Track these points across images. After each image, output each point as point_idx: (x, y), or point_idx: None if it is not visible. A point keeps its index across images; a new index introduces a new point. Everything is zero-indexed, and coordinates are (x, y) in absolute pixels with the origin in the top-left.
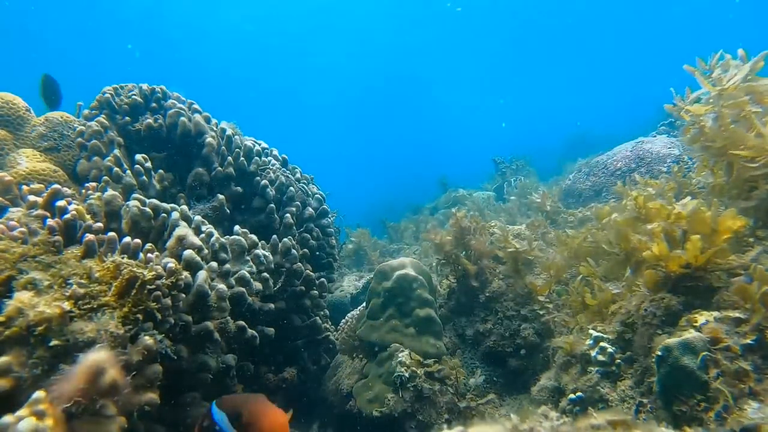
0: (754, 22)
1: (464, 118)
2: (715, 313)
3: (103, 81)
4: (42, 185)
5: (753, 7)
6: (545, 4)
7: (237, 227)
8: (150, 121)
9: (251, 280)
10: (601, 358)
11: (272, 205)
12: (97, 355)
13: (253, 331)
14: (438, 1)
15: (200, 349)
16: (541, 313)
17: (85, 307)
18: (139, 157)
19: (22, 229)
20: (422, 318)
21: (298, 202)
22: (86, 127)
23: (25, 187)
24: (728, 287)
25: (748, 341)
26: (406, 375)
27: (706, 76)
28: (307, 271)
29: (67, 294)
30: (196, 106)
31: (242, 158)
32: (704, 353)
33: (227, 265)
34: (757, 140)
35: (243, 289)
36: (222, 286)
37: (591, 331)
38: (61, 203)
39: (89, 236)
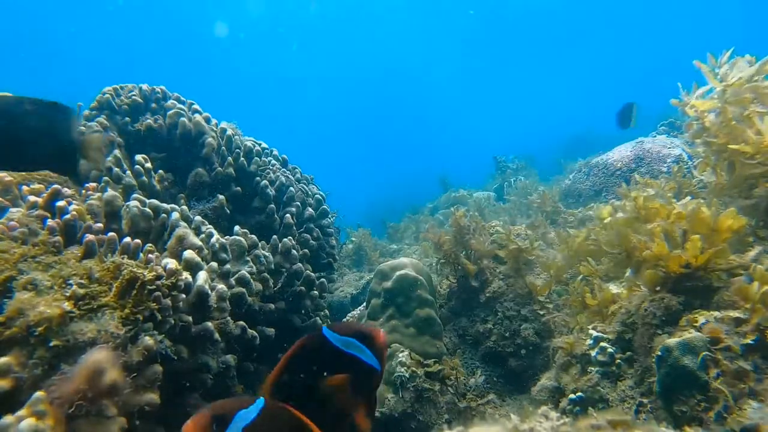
0: (755, 22)
1: (465, 117)
2: (716, 313)
3: (103, 81)
4: (42, 185)
5: (754, 8)
6: (547, 4)
7: (237, 227)
8: (150, 121)
9: (251, 280)
10: (601, 358)
11: (272, 205)
12: (98, 356)
13: (254, 332)
14: (439, 0)
15: (200, 350)
16: (541, 313)
17: (85, 307)
18: (139, 157)
19: (23, 229)
20: (422, 318)
21: (298, 203)
22: (86, 128)
23: (25, 188)
24: (728, 287)
25: (748, 341)
26: (407, 375)
27: (713, 73)
28: (308, 271)
29: (68, 294)
30: (196, 106)
31: (242, 158)
32: (704, 353)
33: (227, 266)
34: (756, 138)
35: (243, 290)
36: (222, 287)
37: (591, 331)
38: (61, 203)
39: (89, 236)
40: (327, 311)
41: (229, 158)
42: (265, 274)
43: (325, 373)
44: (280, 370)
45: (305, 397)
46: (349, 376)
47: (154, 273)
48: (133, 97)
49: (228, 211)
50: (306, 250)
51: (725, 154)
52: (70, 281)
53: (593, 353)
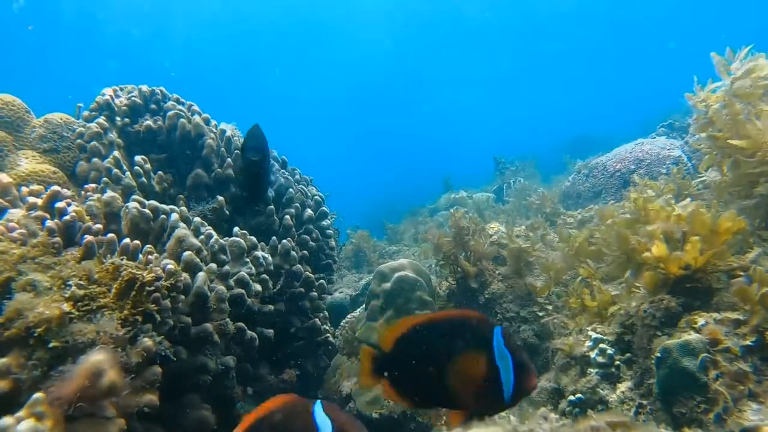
0: (756, 23)
1: (465, 118)
2: (715, 315)
3: (102, 82)
4: (41, 186)
5: (755, 9)
6: (547, 5)
7: (236, 229)
8: (149, 122)
9: (250, 281)
10: (600, 359)
11: (271, 206)
12: (97, 357)
13: (253, 333)
14: (440, 0)
15: (199, 351)
16: (540, 314)
17: (84, 308)
18: (138, 158)
19: (22, 230)
20: None
21: (297, 204)
22: (86, 129)
23: (24, 189)
24: (728, 288)
25: (748, 342)
26: None
27: (726, 67)
28: (307, 272)
29: (67, 295)
30: (195, 107)
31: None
32: (704, 355)
33: (226, 267)
34: (756, 132)
35: (242, 291)
36: (221, 288)
37: (590, 333)
38: (60, 204)
39: (89, 238)
40: (326, 312)
41: (229, 159)
42: (265, 276)
43: None
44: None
45: None
46: None
47: (153, 274)
48: (133, 98)
49: (227, 213)
50: (305, 252)
51: (728, 150)
52: (70, 282)
53: (592, 355)
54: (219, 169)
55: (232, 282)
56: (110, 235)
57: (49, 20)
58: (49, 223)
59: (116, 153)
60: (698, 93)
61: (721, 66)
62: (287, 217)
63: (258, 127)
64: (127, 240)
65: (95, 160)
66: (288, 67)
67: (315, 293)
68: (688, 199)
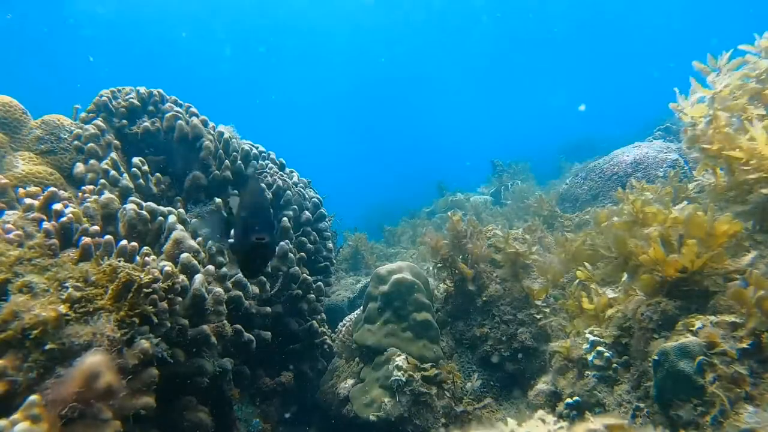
0: (755, 25)
1: (463, 121)
2: (712, 318)
3: (100, 84)
4: (38, 188)
5: (754, 11)
6: (545, 7)
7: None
8: (147, 124)
9: (248, 283)
10: (597, 362)
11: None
12: (93, 359)
13: (250, 335)
14: (436, 2)
15: (197, 353)
16: (537, 317)
17: (81, 310)
18: (135, 160)
19: (18, 232)
20: (419, 322)
21: (295, 206)
22: (83, 130)
23: (21, 190)
24: (724, 291)
25: (744, 345)
26: (403, 379)
27: (714, 74)
28: (304, 274)
29: (63, 297)
30: (193, 109)
31: (239, 162)
32: (701, 357)
33: (224, 269)
34: (749, 144)
35: (240, 293)
36: (219, 290)
37: (588, 336)
38: (57, 206)
39: (86, 239)
40: (324, 315)
41: (227, 161)
42: (262, 278)
43: None
44: None
45: None
46: None
47: (150, 276)
48: (131, 99)
49: (225, 215)
50: (303, 254)
51: (720, 160)
52: (66, 284)
53: (590, 357)
54: (217, 171)
55: (229, 284)
56: (107, 236)
57: (47, 21)
58: (46, 224)
59: (114, 155)
60: (681, 102)
61: (696, 82)
62: (285, 219)
63: (256, 182)
64: (124, 242)
65: (93, 161)
66: (286, 70)
67: (312, 295)
68: (685, 202)
